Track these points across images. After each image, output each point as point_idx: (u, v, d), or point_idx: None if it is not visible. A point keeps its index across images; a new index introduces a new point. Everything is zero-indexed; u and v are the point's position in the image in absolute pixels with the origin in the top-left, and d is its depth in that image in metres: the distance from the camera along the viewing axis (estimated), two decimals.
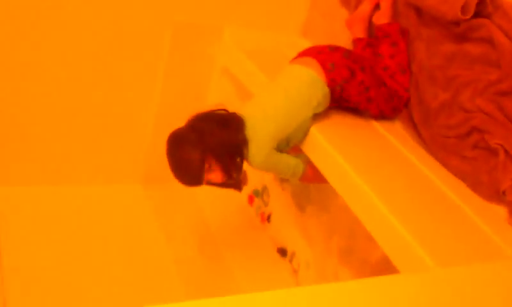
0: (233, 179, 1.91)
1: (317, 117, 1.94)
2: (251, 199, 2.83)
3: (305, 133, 1.92)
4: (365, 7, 2.27)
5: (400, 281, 1.02)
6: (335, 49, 2.01)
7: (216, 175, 1.85)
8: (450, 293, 1.04)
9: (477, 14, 1.84)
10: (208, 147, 1.79)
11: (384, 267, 1.94)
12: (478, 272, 1.12)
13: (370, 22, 2.31)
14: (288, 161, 1.91)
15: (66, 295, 2.11)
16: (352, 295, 0.92)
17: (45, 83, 2.32)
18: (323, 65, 1.91)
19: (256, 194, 2.79)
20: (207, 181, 1.86)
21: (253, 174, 2.74)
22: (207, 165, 1.80)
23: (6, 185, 2.45)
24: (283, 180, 2.62)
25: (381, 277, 0.98)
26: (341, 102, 2.04)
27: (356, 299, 0.93)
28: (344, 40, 2.37)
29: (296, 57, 2.05)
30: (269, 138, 1.82)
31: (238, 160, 1.87)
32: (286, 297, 0.87)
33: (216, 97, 2.63)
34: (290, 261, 2.54)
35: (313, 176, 2.00)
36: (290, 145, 1.93)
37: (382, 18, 2.19)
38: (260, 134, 1.81)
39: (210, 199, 2.82)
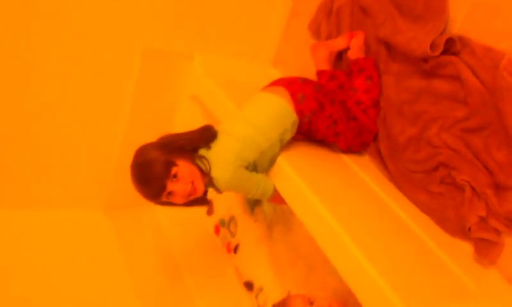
0: (200, 195, 1.83)
1: (285, 147, 1.92)
2: (217, 229, 2.78)
3: (272, 161, 1.90)
4: (335, 42, 2.29)
5: None
6: (307, 82, 2.01)
7: (181, 186, 1.74)
8: None
9: (446, 51, 1.86)
10: (175, 147, 1.76)
11: None
12: None
13: (335, 54, 2.32)
14: (258, 178, 1.86)
15: None
16: None
17: (6, 104, 2.24)
18: (293, 95, 1.91)
19: (222, 223, 2.74)
20: (170, 194, 1.76)
21: (220, 203, 2.71)
22: (172, 172, 1.72)
23: None
24: (254, 209, 2.58)
25: None
26: (309, 134, 2.03)
27: None
28: (314, 72, 2.38)
29: (266, 86, 2.04)
30: (235, 155, 1.77)
31: (204, 168, 1.79)
32: None
33: (183, 124, 2.59)
34: (256, 296, 2.48)
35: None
36: (258, 171, 1.90)
37: (356, 53, 2.20)
38: (227, 150, 1.77)
39: (174, 227, 2.76)
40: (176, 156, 1.75)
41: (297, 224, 2.31)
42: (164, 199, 1.77)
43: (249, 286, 2.51)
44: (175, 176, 1.72)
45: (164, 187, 1.72)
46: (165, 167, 1.71)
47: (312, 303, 1.77)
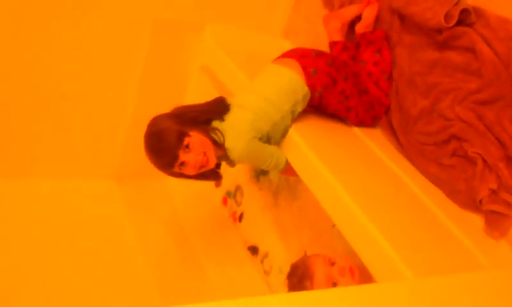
0: (211, 166, 1.84)
1: (296, 119, 1.92)
2: (225, 201, 2.80)
3: (284, 133, 1.90)
4: (348, 11, 2.26)
5: (376, 290, 1.00)
6: (320, 55, 1.99)
7: (193, 157, 1.74)
8: (425, 304, 1.02)
9: (460, 22, 1.84)
10: (188, 118, 1.77)
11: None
12: (454, 283, 1.10)
13: (348, 26, 2.29)
14: (271, 150, 1.86)
15: (33, 290, 2.05)
16: (328, 305, 0.90)
17: (18, 77, 2.25)
18: (305, 69, 1.89)
19: (229, 195, 2.76)
20: (182, 165, 1.76)
21: (226, 175, 2.72)
22: (184, 142, 1.72)
23: None
24: (260, 177, 2.59)
25: (356, 287, 0.96)
26: (320, 107, 2.03)
27: None
28: (326, 44, 2.35)
29: (279, 57, 2.02)
30: (249, 126, 1.78)
31: (217, 140, 1.78)
32: (258, 304, 0.84)
33: (194, 95, 2.59)
34: (262, 262, 2.51)
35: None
36: (271, 143, 1.90)
37: (365, 27, 2.18)
38: (241, 121, 1.78)
39: (184, 198, 2.79)
40: (189, 127, 1.75)
41: (303, 191, 2.32)
42: (176, 169, 1.78)
43: (253, 250, 2.54)
44: (187, 146, 1.73)
45: (176, 157, 1.73)
46: (178, 137, 1.72)
47: (332, 264, 1.74)
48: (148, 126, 1.79)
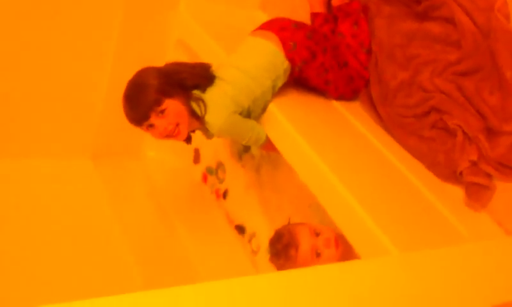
0: (180, 140, 1.82)
1: (276, 94, 1.89)
2: (204, 177, 2.77)
3: (264, 108, 1.88)
4: None
5: (361, 267, 0.99)
6: (299, 27, 1.95)
7: (163, 123, 1.71)
8: (410, 279, 1.01)
9: None
10: (176, 79, 1.75)
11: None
12: (438, 257, 1.10)
13: None
14: (252, 124, 1.84)
15: (11, 271, 2.01)
16: (314, 282, 0.88)
17: None
18: (284, 43, 1.86)
19: (210, 171, 2.72)
20: (150, 126, 1.72)
21: (206, 151, 2.69)
22: (161, 107, 1.68)
23: None
24: (242, 153, 2.56)
25: (342, 264, 0.95)
26: (299, 81, 2.01)
27: (317, 286, 0.89)
28: (303, 15, 2.31)
29: (257, 29, 1.98)
30: (229, 100, 1.75)
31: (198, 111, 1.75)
32: (245, 284, 0.82)
33: None
34: (249, 241, 2.49)
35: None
36: (251, 118, 1.88)
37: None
38: (223, 94, 1.76)
39: (162, 176, 2.75)
40: (172, 92, 1.72)
41: (285, 165, 2.31)
42: (143, 128, 1.75)
43: (240, 229, 2.53)
44: (162, 111, 1.70)
45: (147, 117, 1.70)
46: (156, 98, 1.69)
47: (317, 234, 1.76)
48: (135, 73, 1.77)
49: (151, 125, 1.73)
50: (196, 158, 2.74)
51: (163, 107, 1.69)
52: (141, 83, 1.72)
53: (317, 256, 1.74)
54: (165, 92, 1.70)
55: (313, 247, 1.74)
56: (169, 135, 1.76)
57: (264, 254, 2.38)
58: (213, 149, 2.64)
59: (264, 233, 2.40)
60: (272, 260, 1.90)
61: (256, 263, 2.43)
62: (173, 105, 1.71)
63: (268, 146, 1.90)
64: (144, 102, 1.69)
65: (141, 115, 1.71)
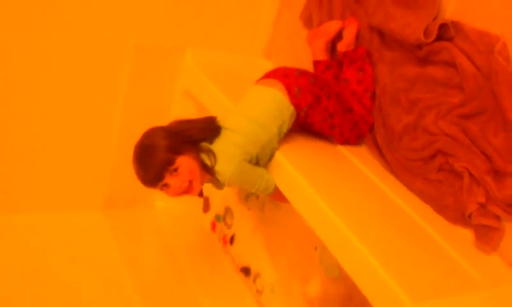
0: (194, 195, 1.83)
1: (282, 141, 1.91)
2: (213, 226, 2.78)
3: (271, 155, 1.89)
4: (329, 26, 2.26)
5: None
6: (302, 73, 1.99)
7: (178, 182, 1.73)
8: None
9: (440, 37, 1.84)
10: (185, 137, 1.75)
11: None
12: (452, 306, 1.09)
13: (331, 43, 2.29)
14: (261, 172, 1.85)
15: None
16: None
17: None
18: (288, 89, 1.89)
19: (218, 219, 2.74)
20: (164, 186, 1.74)
21: (214, 199, 2.70)
22: (173, 166, 1.70)
23: None
24: (248, 198, 2.57)
25: None
26: (305, 127, 2.02)
27: None
28: (307, 62, 2.36)
29: (261, 78, 2.02)
30: (237, 149, 1.77)
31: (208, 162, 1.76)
32: None
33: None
34: (254, 281, 2.49)
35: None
36: (260, 165, 1.89)
37: (346, 46, 2.18)
38: (232, 144, 1.77)
39: (172, 225, 2.76)
40: (182, 149, 1.73)
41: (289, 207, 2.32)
42: (157, 188, 1.76)
43: (246, 271, 2.53)
44: (175, 170, 1.71)
45: (161, 178, 1.71)
46: (168, 157, 1.70)
47: None
48: (142, 136, 1.77)
49: (165, 185, 1.74)
50: (206, 207, 2.76)
51: (176, 165, 1.71)
52: (150, 144, 1.73)
53: None
54: (176, 150, 1.72)
55: None
56: (184, 193, 1.77)
57: (268, 293, 2.38)
58: (221, 196, 2.65)
59: (268, 273, 2.42)
60: None
61: (261, 303, 2.44)
62: (185, 162, 1.73)
63: (276, 195, 1.91)
64: (157, 163, 1.70)
65: (155, 176, 1.71)
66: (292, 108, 1.89)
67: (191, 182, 1.75)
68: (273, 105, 1.87)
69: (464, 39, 1.79)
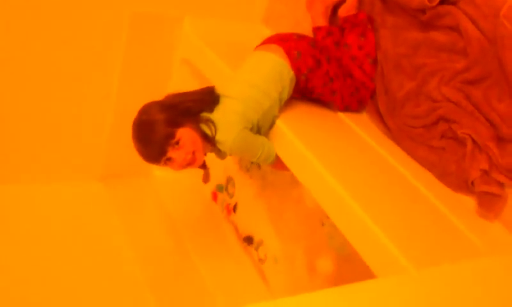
0: (197, 166, 1.82)
1: (282, 109, 1.88)
2: (214, 196, 2.77)
3: (272, 123, 1.87)
4: None
5: (379, 285, 0.97)
6: (302, 37, 1.97)
7: (181, 154, 1.71)
8: (428, 296, 1.00)
9: (443, 1, 1.81)
10: (182, 109, 1.72)
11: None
12: (454, 273, 1.08)
13: (331, 9, 2.25)
14: (262, 141, 1.83)
15: (23, 297, 2.01)
16: (334, 303, 0.87)
17: None
18: (288, 53, 1.86)
19: (220, 189, 2.72)
20: (168, 160, 1.72)
21: (215, 169, 2.68)
22: (175, 138, 1.68)
23: None
24: (250, 167, 2.56)
25: (359, 283, 0.93)
26: (305, 92, 2.00)
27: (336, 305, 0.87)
28: (306, 28, 2.32)
29: (260, 44, 1.99)
30: (239, 117, 1.73)
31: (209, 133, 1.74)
32: None
33: (177, 89, 2.55)
34: (256, 249, 2.50)
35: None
36: (261, 134, 1.86)
37: (348, 10, 2.14)
38: (232, 112, 1.74)
39: (172, 195, 2.75)
40: (181, 121, 1.71)
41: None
42: (161, 164, 1.74)
43: (249, 240, 2.54)
44: (177, 143, 1.69)
45: (164, 152, 1.70)
46: (168, 131, 1.68)
47: None
48: (138, 113, 1.74)
49: (169, 159, 1.72)
50: (206, 178, 2.75)
51: (177, 138, 1.69)
52: (148, 120, 1.70)
53: None
54: (174, 123, 1.69)
55: None
56: (188, 164, 1.75)
57: (271, 263, 2.38)
58: (222, 166, 2.64)
59: (270, 241, 2.42)
60: None
61: (263, 272, 2.44)
62: (186, 134, 1.70)
63: (277, 164, 1.89)
64: (158, 138, 1.68)
65: (157, 152, 1.70)
66: (292, 72, 1.86)
67: (193, 153, 1.73)
68: (273, 69, 1.83)
69: (469, 2, 1.76)
